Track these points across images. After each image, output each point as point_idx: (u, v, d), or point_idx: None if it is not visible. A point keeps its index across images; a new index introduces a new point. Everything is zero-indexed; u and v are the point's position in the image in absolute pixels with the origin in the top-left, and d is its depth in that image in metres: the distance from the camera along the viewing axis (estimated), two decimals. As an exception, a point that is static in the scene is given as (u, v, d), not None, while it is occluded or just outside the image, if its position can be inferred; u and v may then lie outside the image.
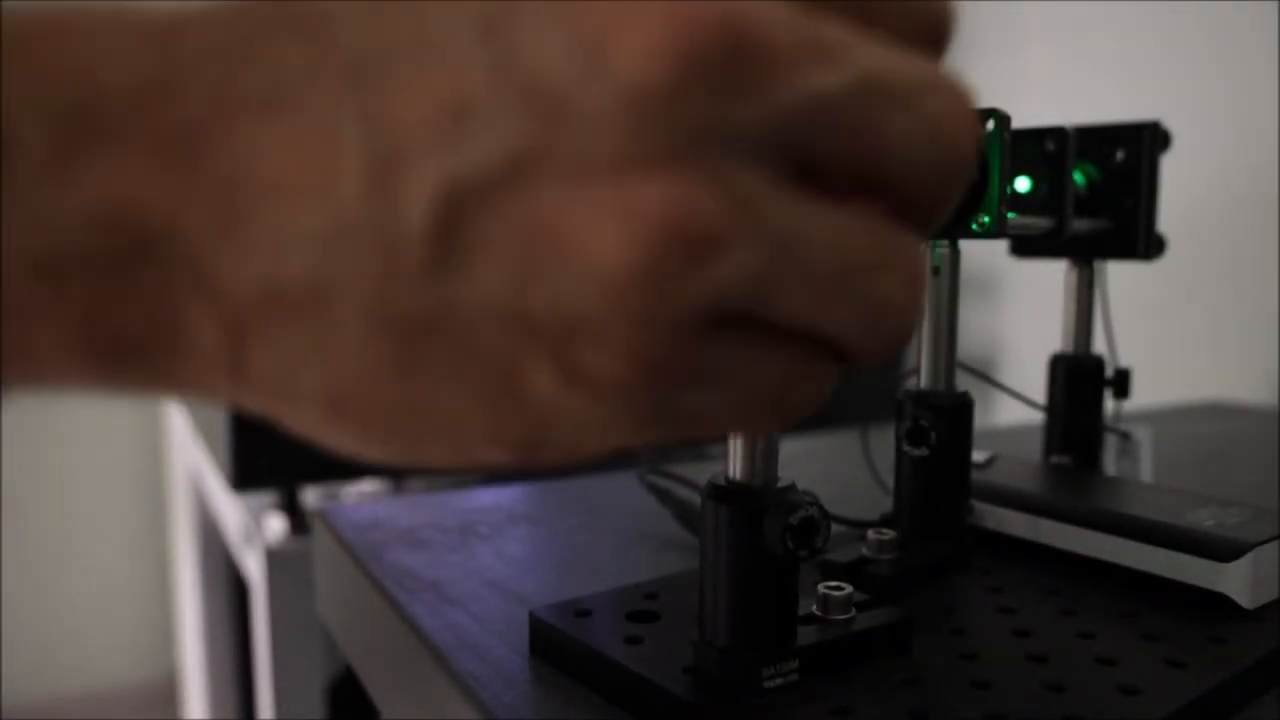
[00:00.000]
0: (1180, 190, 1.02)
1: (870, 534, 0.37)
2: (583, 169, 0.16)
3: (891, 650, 0.31)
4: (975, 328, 1.26)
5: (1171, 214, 1.01)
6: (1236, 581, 0.34)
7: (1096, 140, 0.47)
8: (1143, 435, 0.50)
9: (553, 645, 0.33)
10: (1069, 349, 0.50)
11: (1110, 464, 0.50)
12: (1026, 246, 0.49)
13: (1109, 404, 0.51)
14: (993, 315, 1.24)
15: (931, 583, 0.37)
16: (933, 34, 0.19)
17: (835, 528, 0.43)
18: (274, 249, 0.16)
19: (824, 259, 0.17)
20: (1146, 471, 0.50)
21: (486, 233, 0.16)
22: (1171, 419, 0.87)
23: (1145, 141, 0.46)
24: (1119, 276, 1.05)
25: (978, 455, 0.46)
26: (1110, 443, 0.50)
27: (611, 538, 0.46)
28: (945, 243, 0.37)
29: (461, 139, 0.16)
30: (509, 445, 0.18)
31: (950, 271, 0.37)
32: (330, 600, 0.49)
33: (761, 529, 0.27)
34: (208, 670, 1.21)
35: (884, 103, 0.17)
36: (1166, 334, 1.05)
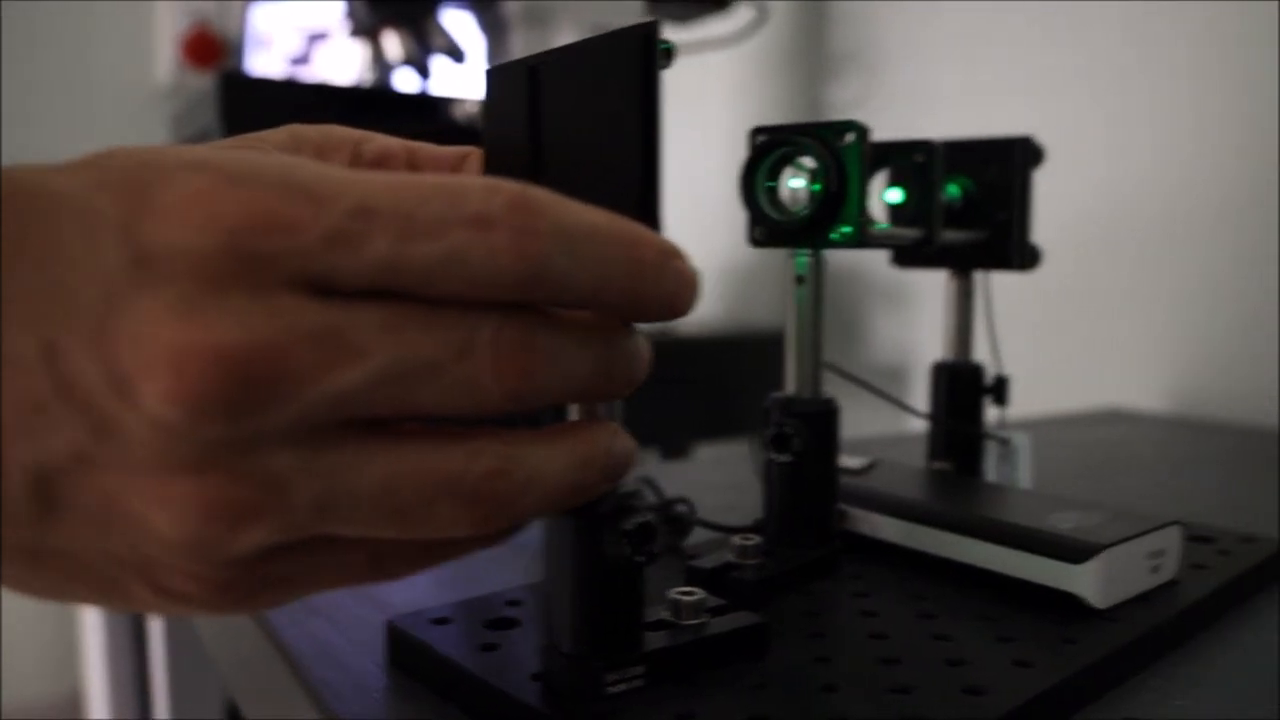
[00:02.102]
0: (1086, 203, 1.04)
1: (736, 540, 0.37)
2: (132, 469, 0.20)
3: (745, 655, 0.31)
4: (888, 336, 1.27)
5: (1079, 226, 1.04)
6: (1088, 582, 0.35)
7: (971, 154, 0.48)
8: (1021, 441, 0.51)
9: (410, 654, 0.33)
10: (949, 357, 0.51)
11: (991, 470, 0.51)
12: (907, 257, 0.50)
13: (995, 411, 0.52)
14: (906, 324, 1.26)
15: (799, 587, 0.38)
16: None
17: (710, 534, 0.44)
18: None
19: (373, 498, 0.21)
20: (1025, 477, 0.51)
21: (73, 498, 0.20)
22: (1071, 425, 0.89)
23: (1017, 156, 0.47)
24: (1024, 287, 1.08)
25: (856, 461, 0.47)
26: (991, 449, 0.51)
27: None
28: (809, 252, 0.38)
29: (40, 431, 0.19)
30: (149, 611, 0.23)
31: (814, 280, 0.38)
32: (204, 624, 0.49)
33: (598, 535, 0.27)
34: (110, 687, 1.18)
35: (409, 382, 0.20)
36: (1070, 343, 1.07)
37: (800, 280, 0.38)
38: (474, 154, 0.31)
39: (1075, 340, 1.06)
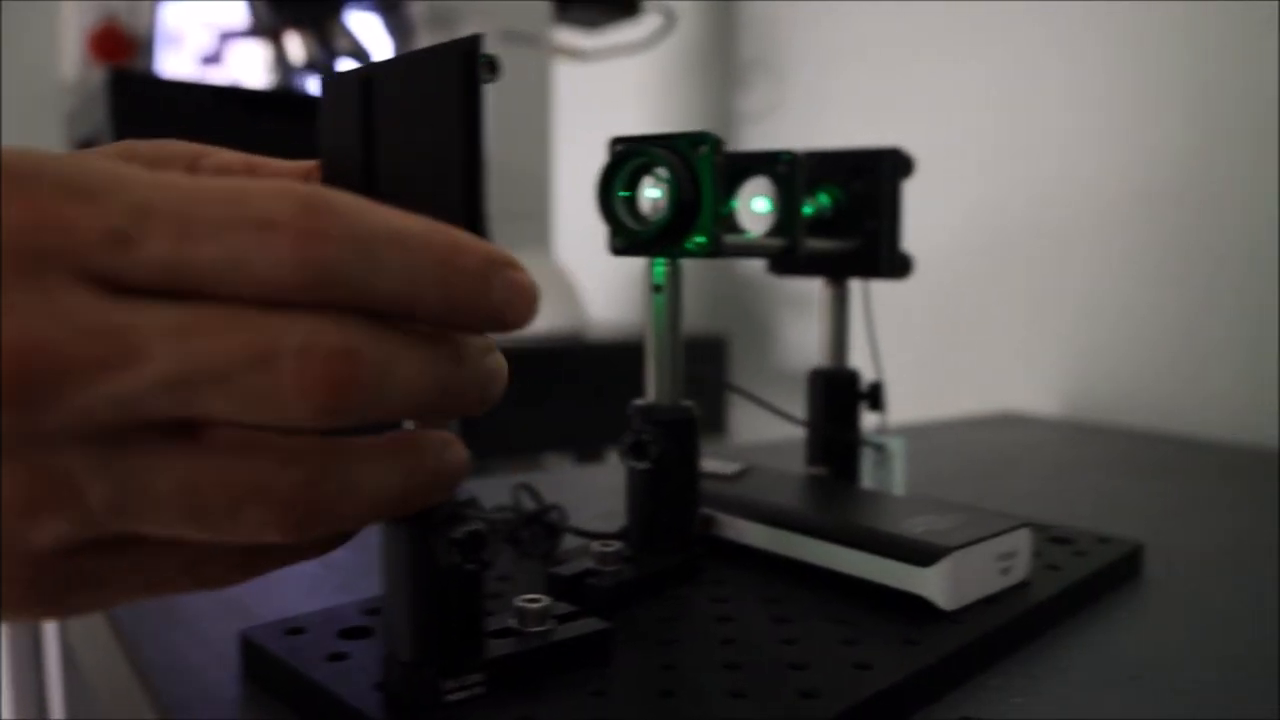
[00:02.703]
0: (985, 210, 1.07)
1: (596, 546, 0.38)
2: None
3: (591, 661, 0.32)
4: (795, 344, 1.29)
5: (979, 233, 1.06)
6: (935, 585, 0.36)
7: (841, 164, 0.49)
8: (896, 446, 0.52)
9: (263, 666, 0.33)
10: (826, 364, 0.52)
11: (867, 474, 0.52)
12: (781, 265, 0.51)
13: (876, 417, 0.53)
14: (813, 331, 1.27)
15: (659, 593, 0.38)
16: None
17: (578, 540, 0.44)
18: None
19: (173, 501, 0.21)
20: (899, 480, 0.52)
21: None
22: (967, 428, 0.91)
23: (886, 166, 0.48)
24: (926, 294, 1.10)
25: (728, 467, 0.48)
26: (867, 453, 0.52)
27: (367, 553, 0.46)
28: (667, 261, 0.38)
29: None
30: None
31: (672, 289, 0.38)
32: (71, 628, 0.48)
33: (428, 544, 0.27)
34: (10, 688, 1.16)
35: (195, 390, 0.20)
36: (971, 347, 1.09)
37: (658, 289, 0.38)
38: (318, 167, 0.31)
39: (976, 345, 1.08)
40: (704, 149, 0.36)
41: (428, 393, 0.23)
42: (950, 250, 1.09)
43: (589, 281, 1.30)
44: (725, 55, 1.37)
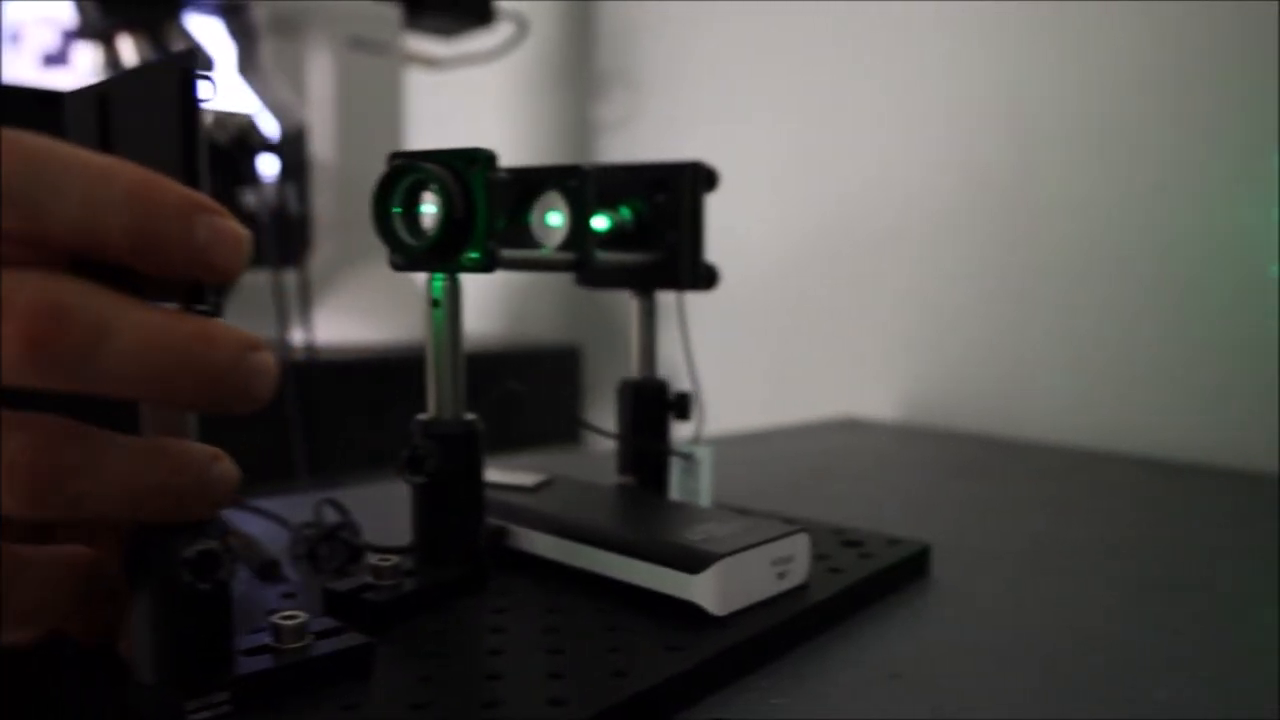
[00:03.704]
0: (824, 218, 1.10)
1: (373, 560, 0.38)
2: None
3: (350, 676, 0.32)
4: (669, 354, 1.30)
5: (819, 240, 1.08)
6: (705, 590, 0.37)
7: (643, 178, 0.50)
8: (703, 455, 0.53)
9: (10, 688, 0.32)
10: (637, 375, 0.53)
11: (675, 483, 0.53)
12: (586, 278, 0.51)
13: (690, 426, 0.54)
14: (671, 341, 1.29)
15: (439, 607, 0.38)
16: None
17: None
18: None
19: None
20: (705, 489, 0.53)
21: None
22: (804, 434, 0.93)
23: (686, 180, 0.49)
24: (769, 301, 1.12)
25: (529, 479, 0.48)
26: (675, 463, 0.53)
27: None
28: (445, 277, 0.39)
29: None
30: None
31: (450, 304, 0.39)
32: None
33: (161, 563, 0.27)
34: None
35: None
36: (815, 354, 1.12)
37: (436, 304, 0.38)
38: None
39: (822, 352, 1.11)
40: (477, 166, 0.36)
41: (155, 360, 0.23)
42: (801, 258, 1.12)
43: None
44: (583, 65, 1.38)
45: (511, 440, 1.19)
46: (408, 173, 0.37)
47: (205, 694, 0.28)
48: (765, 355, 1.16)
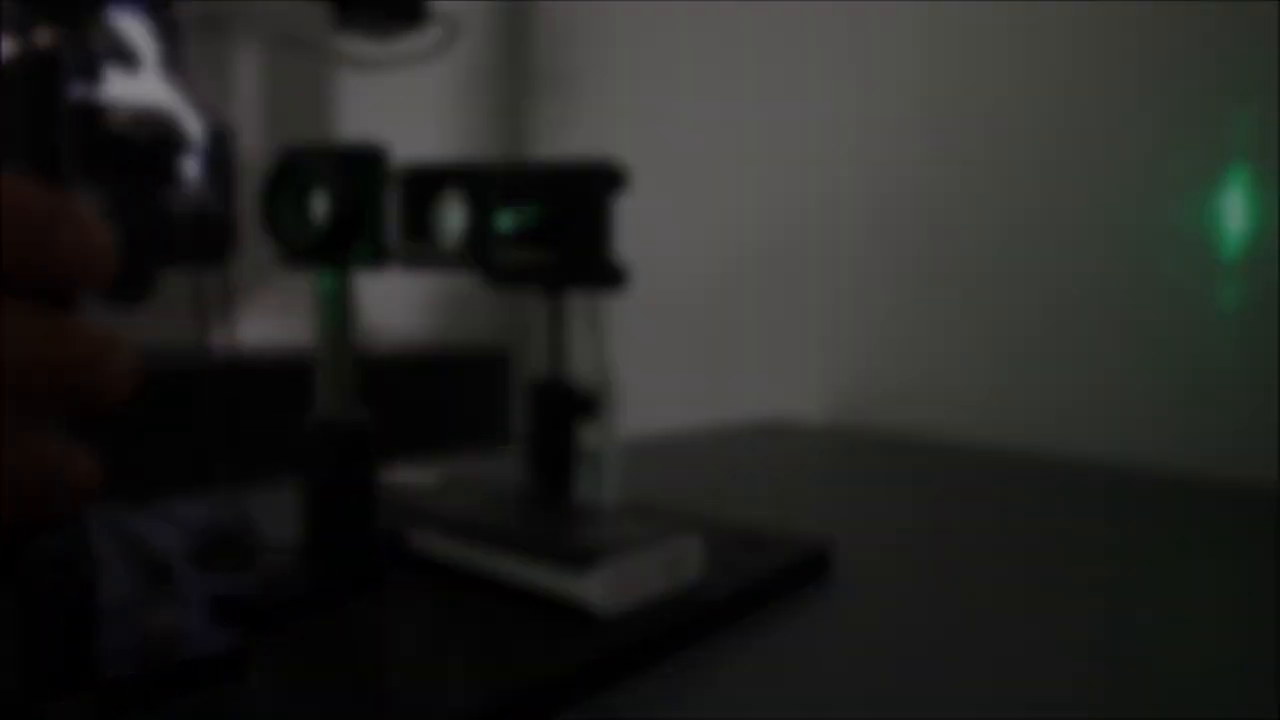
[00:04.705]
0: (756, 218, 1.10)
1: (260, 563, 0.37)
2: None
3: (219, 681, 0.31)
4: (581, 356, 1.30)
5: (750, 241, 1.09)
6: (591, 591, 0.37)
7: (553, 177, 0.50)
8: (611, 455, 0.53)
9: None
10: (545, 375, 0.53)
11: (581, 484, 0.53)
12: (497, 278, 0.51)
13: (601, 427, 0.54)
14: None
15: (328, 610, 0.38)
16: None
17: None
18: None
19: None
20: (610, 489, 0.53)
21: None
22: (729, 437, 0.94)
23: (594, 179, 0.49)
24: (698, 303, 1.12)
25: (429, 478, 0.48)
26: (581, 463, 0.53)
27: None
28: (334, 274, 0.38)
29: None
30: None
31: (341, 300, 0.38)
32: None
33: (17, 565, 0.26)
34: None
35: None
36: (744, 357, 1.12)
37: (324, 301, 0.38)
38: None
39: (748, 354, 1.12)
40: (367, 161, 0.36)
41: (8, 354, 0.23)
42: (731, 260, 1.13)
43: (384, 293, 1.28)
44: (518, 66, 1.38)
45: (444, 444, 1.18)
46: (294, 169, 0.36)
47: (67, 701, 0.28)
48: (694, 357, 1.16)
